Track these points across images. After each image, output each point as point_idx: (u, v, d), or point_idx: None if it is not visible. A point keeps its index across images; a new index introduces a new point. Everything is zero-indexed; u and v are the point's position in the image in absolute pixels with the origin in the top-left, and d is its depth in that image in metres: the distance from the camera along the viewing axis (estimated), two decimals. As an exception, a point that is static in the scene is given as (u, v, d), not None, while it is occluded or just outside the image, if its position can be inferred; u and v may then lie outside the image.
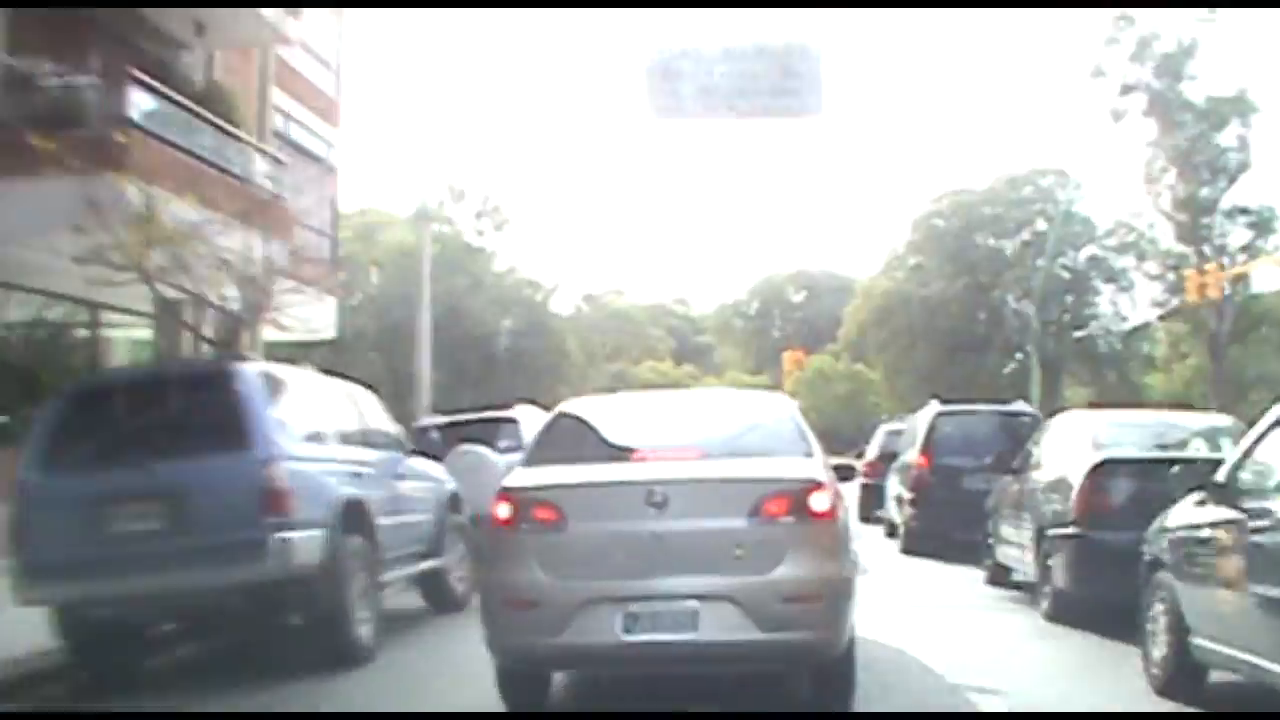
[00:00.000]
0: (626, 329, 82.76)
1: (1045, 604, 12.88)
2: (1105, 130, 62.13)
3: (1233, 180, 56.34)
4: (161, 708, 9.60)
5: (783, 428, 9.16)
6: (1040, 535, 13.08)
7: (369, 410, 13.08)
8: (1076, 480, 12.32)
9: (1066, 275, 61.68)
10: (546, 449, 9.13)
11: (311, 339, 25.96)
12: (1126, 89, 55.41)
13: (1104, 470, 12.15)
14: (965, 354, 61.17)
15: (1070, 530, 12.22)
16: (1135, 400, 51.38)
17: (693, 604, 7.89)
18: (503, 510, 8.30)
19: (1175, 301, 57.54)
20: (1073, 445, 13.32)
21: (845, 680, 8.55)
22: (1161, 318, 59.60)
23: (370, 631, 10.93)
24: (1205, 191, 56.32)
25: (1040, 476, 13.86)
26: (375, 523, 11.32)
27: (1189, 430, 13.94)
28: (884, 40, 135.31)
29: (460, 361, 49.67)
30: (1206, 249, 55.19)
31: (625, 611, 7.90)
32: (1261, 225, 56.20)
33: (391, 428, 13.62)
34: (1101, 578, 11.63)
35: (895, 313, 64.98)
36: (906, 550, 20.75)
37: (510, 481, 8.62)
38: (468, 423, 17.98)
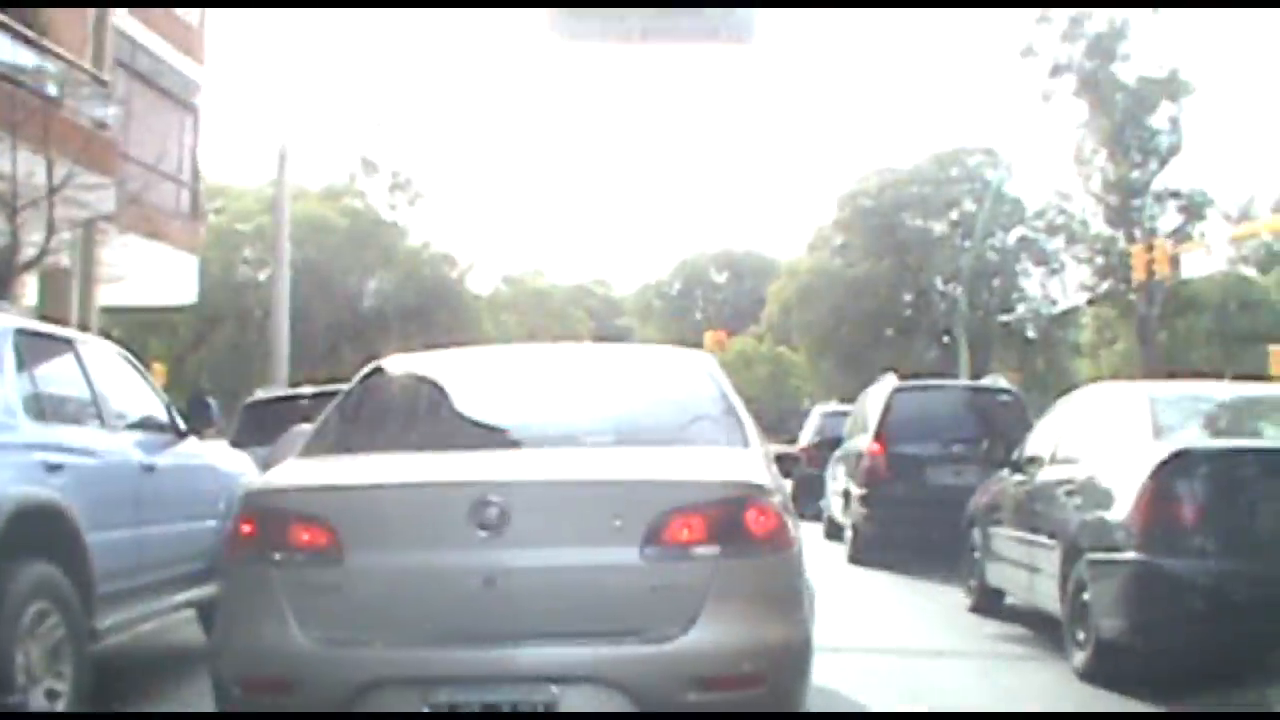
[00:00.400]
0: (546, 309, 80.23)
1: (1079, 656, 8.95)
2: (1035, 110, 61.10)
3: (1164, 163, 55.74)
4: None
5: (703, 401, 6.27)
6: (1071, 558, 9.20)
7: (111, 376, 8.74)
8: (1134, 481, 8.45)
9: (995, 257, 60.61)
10: (339, 430, 6.23)
11: (162, 304, 23.67)
12: (1057, 69, 54.59)
13: (1177, 466, 8.28)
14: (891, 336, 59.99)
15: (1125, 555, 8.38)
16: (1065, 385, 50.61)
17: (548, 689, 4.97)
18: (243, 529, 5.36)
19: (1105, 285, 56.85)
20: (1120, 431, 9.48)
21: None
22: (1090, 301, 58.74)
23: (64, 705, 6.67)
24: (1136, 174, 55.67)
25: (1063, 474, 10.11)
26: (85, 539, 7.17)
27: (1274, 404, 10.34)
28: (812, 10, 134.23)
29: (369, 341, 47.94)
30: (1137, 232, 54.43)
31: (439, 703, 4.97)
32: (1192, 209, 55.64)
33: (153, 402, 9.27)
34: (1172, 622, 8.05)
35: (820, 293, 63.49)
36: (855, 559, 16.77)
37: (260, 483, 5.99)
38: (316, 396, 13.29)
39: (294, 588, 5.13)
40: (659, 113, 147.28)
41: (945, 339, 59.77)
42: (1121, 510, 8.53)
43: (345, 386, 8.64)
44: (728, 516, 5.17)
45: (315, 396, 13.43)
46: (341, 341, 47.92)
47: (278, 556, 5.20)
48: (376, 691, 4.98)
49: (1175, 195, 56.12)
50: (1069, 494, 9.73)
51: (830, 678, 7.32)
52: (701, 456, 5.73)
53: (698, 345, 73.39)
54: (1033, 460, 11.07)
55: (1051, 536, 9.80)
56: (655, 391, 6.53)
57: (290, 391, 15.30)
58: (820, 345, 64.60)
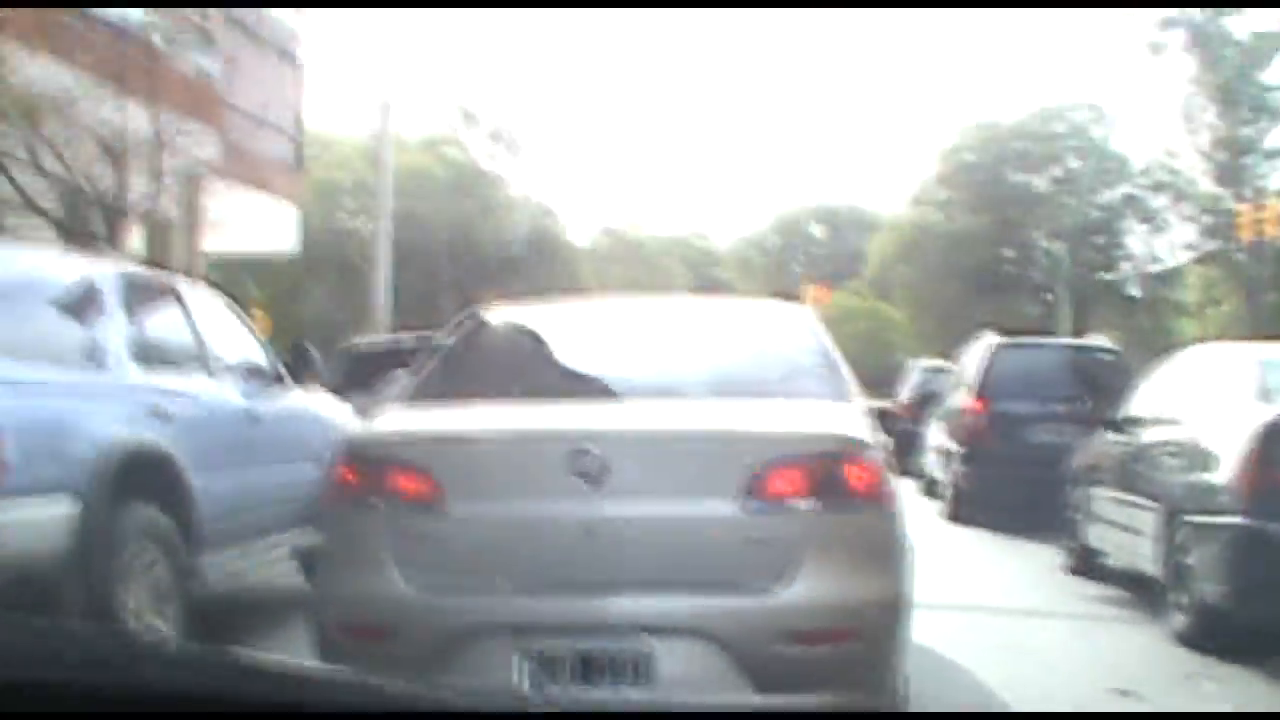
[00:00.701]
0: (644, 261, 79.88)
1: (1179, 619, 8.80)
2: (1143, 64, 60.08)
3: (1275, 119, 54.55)
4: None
5: (803, 354, 6.20)
6: (1173, 520, 9.08)
7: (215, 323, 8.82)
8: (1238, 444, 8.33)
9: (1099, 214, 59.74)
10: (439, 378, 6.14)
11: (265, 251, 23.88)
12: (1168, 21, 53.58)
13: None
14: (992, 293, 59.14)
15: (1228, 518, 8.27)
16: (1168, 345, 49.94)
17: (645, 641, 4.90)
18: (345, 476, 5.31)
19: (1211, 245, 55.89)
20: (1225, 392, 9.35)
21: None
22: (1197, 260, 57.71)
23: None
24: (1246, 131, 54.58)
25: (1165, 435, 9.97)
26: (190, 484, 7.29)
27: None
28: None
29: (469, 290, 48.28)
30: (1246, 191, 53.43)
31: (534, 651, 4.90)
32: (1304, 167, 54.38)
33: (256, 350, 9.35)
34: (1275, 588, 7.83)
35: (920, 249, 63.07)
36: (954, 517, 16.44)
37: (361, 431, 5.90)
38: (415, 344, 12.62)
39: (395, 535, 5.13)
40: (757, 66, 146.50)
41: (1047, 297, 59.15)
42: (1225, 473, 8.41)
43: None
44: (827, 470, 5.10)
45: (414, 345, 12.91)
46: (440, 292, 48.21)
47: (379, 504, 5.19)
48: (475, 638, 4.96)
49: (1287, 153, 55.05)
50: (1171, 455, 9.63)
51: (927, 634, 7.18)
52: (801, 410, 5.63)
53: (796, 299, 72.70)
54: (1134, 420, 10.89)
55: (1153, 498, 9.63)
56: (755, 344, 6.45)
57: (390, 339, 15.01)
58: (920, 301, 64.23)
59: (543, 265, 53.42)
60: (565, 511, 5.04)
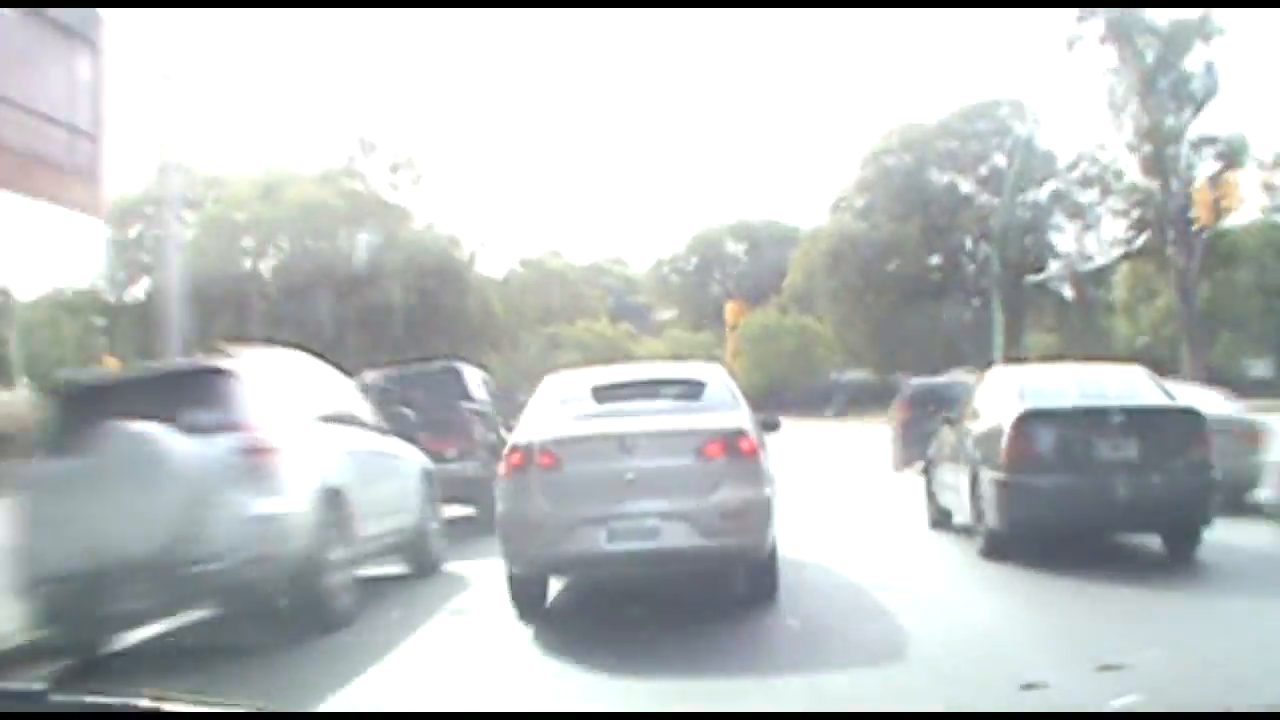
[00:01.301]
0: (563, 290, 78.63)
1: (980, 541, 13.15)
2: (1063, 58, 58.87)
3: (1199, 108, 53.48)
4: (136, 684, 6.57)
5: (719, 389, 11.46)
6: (974, 479, 13.46)
7: (354, 394, 13.81)
8: (1004, 428, 12.80)
9: (1027, 214, 58.19)
10: (543, 407, 11.21)
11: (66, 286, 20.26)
12: (1084, 13, 52.35)
13: (1027, 418, 12.72)
14: (921, 301, 57.61)
15: (1000, 474, 12.64)
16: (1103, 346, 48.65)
17: (656, 521, 10.04)
18: (515, 458, 10.36)
19: (1141, 239, 54.69)
20: (1004, 397, 13.71)
21: (771, 575, 10.79)
22: (1126, 255, 56.38)
23: (349, 599, 11.18)
24: (1170, 121, 53.45)
25: (973, 426, 14.25)
26: (350, 497, 11.43)
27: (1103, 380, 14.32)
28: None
29: (373, 323, 46.03)
30: (1174, 181, 52.28)
31: (607, 528, 10.05)
32: (1231, 155, 53.18)
33: (371, 413, 13.70)
34: (1030, 517, 12.43)
35: (844, 259, 61.38)
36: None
37: (517, 437, 10.65)
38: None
39: (540, 483, 10.13)
40: (666, 85, 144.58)
41: (974, 301, 57.69)
42: (998, 446, 12.83)
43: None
44: (731, 442, 10.21)
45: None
46: (346, 327, 45.84)
47: (532, 469, 10.17)
48: (580, 525, 10.01)
49: (1212, 141, 53.91)
50: (976, 438, 13.91)
51: (815, 558, 13.06)
52: (718, 416, 10.68)
53: (718, 318, 72.15)
54: (961, 418, 15.08)
55: (966, 466, 13.96)
56: (695, 385, 11.43)
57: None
58: (847, 314, 62.47)
59: (447, 295, 51.03)
60: (617, 468, 10.09)
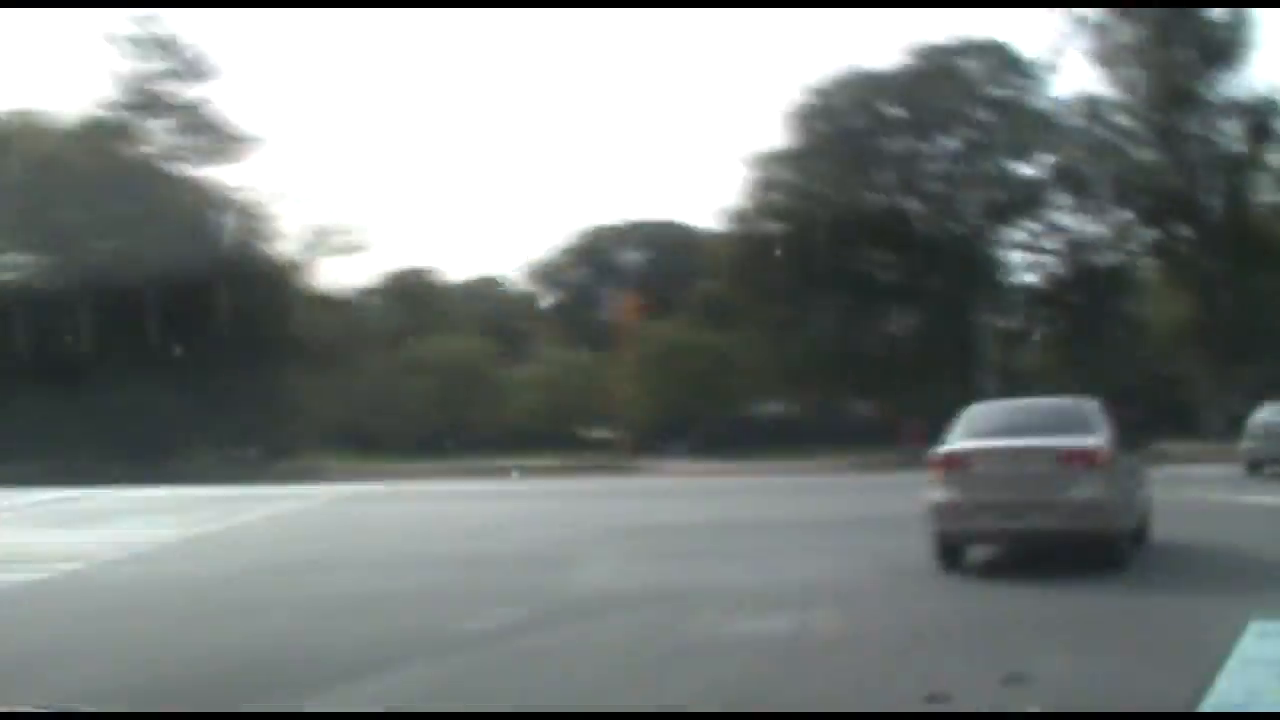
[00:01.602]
0: (439, 308, 71.77)
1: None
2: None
3: (1226, 63, 43.03)
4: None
5: (1084, 413, 16.23)
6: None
7: None
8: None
9: (1020, 187, 46.68)
10: (966, 428, 16.24)
11: None
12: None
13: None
14: (873, 307, 45.75)
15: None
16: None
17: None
18: (947, 462, 15.49)
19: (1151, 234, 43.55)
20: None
21: (1120, 551, 14.91)
22: (1130, 253, 45.12)
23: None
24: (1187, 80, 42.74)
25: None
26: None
27: None
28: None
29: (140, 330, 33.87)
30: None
31: (999, 511, 14.94)
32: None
33: None
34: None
35: (764, 262, 49.09)
36: None
37: (947, 447, 15.74)
38: None
39: (957, 478, 15.39)
40: (528, 92, 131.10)
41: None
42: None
43: None
44: (1086, 455, 15.70)
45: None
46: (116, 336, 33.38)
47: (954, 468, 15.46)
48: (983, 511, 15.08)
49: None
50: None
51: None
52: (1077, 437, 15.88)
53: (612, 330, 61.12)
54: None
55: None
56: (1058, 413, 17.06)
57: None
58: (770, 328, 50.45)
59: (242, 288, 38.70)
60: (1013, 470, 15.24)
